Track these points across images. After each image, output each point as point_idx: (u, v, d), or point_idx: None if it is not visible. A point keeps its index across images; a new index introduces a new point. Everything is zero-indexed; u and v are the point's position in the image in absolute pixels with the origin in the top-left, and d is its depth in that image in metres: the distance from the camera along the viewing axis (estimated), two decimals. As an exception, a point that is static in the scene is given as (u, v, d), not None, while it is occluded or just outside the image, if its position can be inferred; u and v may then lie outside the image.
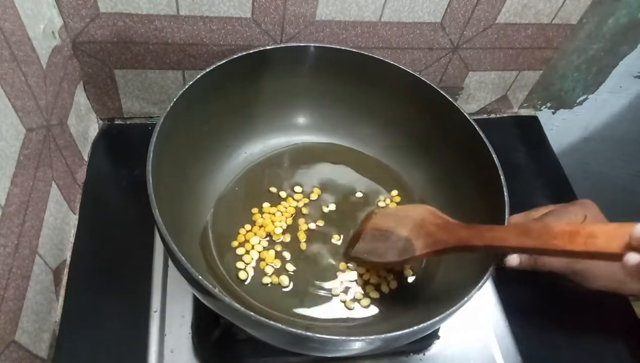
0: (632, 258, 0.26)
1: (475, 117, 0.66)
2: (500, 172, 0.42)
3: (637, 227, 0.26)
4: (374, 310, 0.44)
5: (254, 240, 0.46)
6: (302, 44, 0.48)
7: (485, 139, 0.44)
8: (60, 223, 0.47)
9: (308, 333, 0.32)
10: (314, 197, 0.50)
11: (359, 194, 0.52)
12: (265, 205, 0.49)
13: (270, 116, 0.53)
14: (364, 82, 0.50)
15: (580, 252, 0.29)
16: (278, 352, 0.40)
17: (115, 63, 0.52)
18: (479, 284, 0.36)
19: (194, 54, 0.52)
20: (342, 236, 0.48)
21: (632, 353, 0.51)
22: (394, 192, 0.52)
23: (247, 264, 0.45)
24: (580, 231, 0.30)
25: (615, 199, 0.73)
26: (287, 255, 0.46)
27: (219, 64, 0.44)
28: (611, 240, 0.28)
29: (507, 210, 0.40)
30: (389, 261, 0.42)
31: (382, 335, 0.33)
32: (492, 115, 0.69)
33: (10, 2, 0.36)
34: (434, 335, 0.48)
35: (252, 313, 0.32)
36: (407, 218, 0.42)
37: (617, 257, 0.27)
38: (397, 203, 0.52)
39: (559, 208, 0.47)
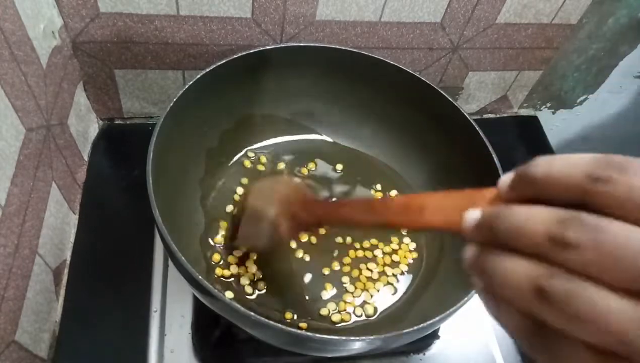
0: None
1: (475, 117, 0.66)
2: (501, 172, 0.42)
3: (469, 214, 0.21)
4: (375, 310, 0.45)
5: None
6: (302, 44, 0.48)
7: (485, 139, 0.44)
8: (60, 223, 0.47)
9: (308, 333, 0.32)
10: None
11: (359, 194, 0.52)
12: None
13: (270, 116, 0.53)
14: (364, 82, 0.50)
15: (414, 227, 0.27)
16: (278, 352, 0.40)
17: (115, 63, 0.52)
18: (479, 284, 0.36)
19: (194, 54, 0.52)
20: (341, 235, 0.48)
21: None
22: (393, 192, 0.52)
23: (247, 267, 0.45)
24: (412, 204, 0.27)
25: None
26: (282, 256, 0.46)
27: (219, 64, 0.44)
28: (438, 213, 0.25)
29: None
30: (263, 247, 0.41)
31: (382, 335, 0.33)
32: (492, 115, 0.69)
33: (10, 2, 0.36)
34: (434, 335, 0.48)
35: (252, 313, 0.32)
36: (273, 195, 0.40)
37: (448, 230, 0.24)
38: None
39: None
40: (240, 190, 0.50)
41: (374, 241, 0.48)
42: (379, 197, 0.31)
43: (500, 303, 0.18)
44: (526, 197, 0.18)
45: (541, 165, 0.18)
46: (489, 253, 0.18)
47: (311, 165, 0.53)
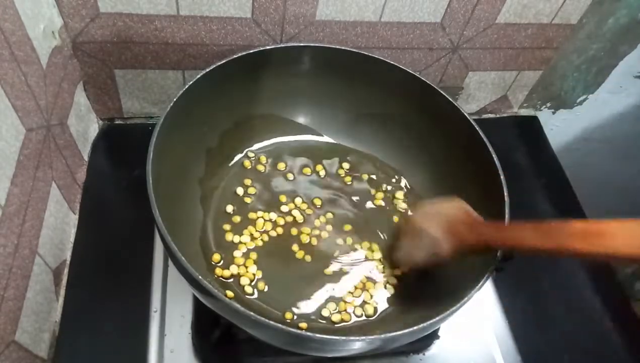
0: None
1: (475, 117, 0.66)
2: (500, 172, 0.42)
3: None
4: (374, 310, 0.44)
5: (255, 241, 0.46)
6: (302, 44, 0.48)
7: (485, 139, 0.44)
8: (60, 223, 0.47)
9: (308, 333, 0.32)
10: (312, 196, 0.50)
11: (359, 193, 0.52)
12: (264, 206, 0.49)
13: (270, 116, 0.53)
14: (364, 82, 0.50)
15: (599, 254, 0.26)
16: (278, 352, 0.40)
17: (115, 63, 0.52)
18: (479, 284, 0.36)
19: (194, 54, 0.52)
20: (342, 236, 0.48)
21: (632, 353, 0.51)
22: (399, 194, 0.52)
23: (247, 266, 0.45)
24: (597, 230, 0.26)
25: (615, 199, 0.73)
26: (282, 256, 0.46)
27: (219, 64, 0.44)
28: (632, 239, 0.24)
29: (507, 210, 0.40)
30: (418, 261, 0.41)
31: (382, 335, 0.33)
32: (492, 115, 0.69)
33: (10, 2, 0.36)
34: (434, 335, 0.48)
35: (252, 313, 0.32)
36: (439, 216, 0.40)
37: (633, 258, 0.24)
38: (401, 200, 0.52)
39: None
40: (240, 190, 0.50)
41: (374, 245, 0.48)
42: (555, 221, 0.30)
43: None
44: None
45: None
46: None
47: (311, 165, 0.53)
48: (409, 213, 0.46)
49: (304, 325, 0.42)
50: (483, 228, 0.37)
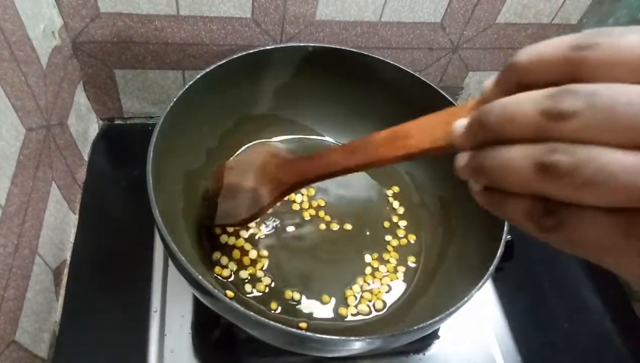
0: (460, 159, 0.20)
1: (475, 117, 0.66)
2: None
3: (456, 123, 0.20)
4: (374, 310, 0.44)
5: (255, 240, 0.46)
6: (302, 44, 0.48)
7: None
8: (60, 223, 0.47)
9: (308, 333, 0.32)
10: (310, 193, 0.51)
11: (357, 194, 0.52)
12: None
13: (270, 116, 0.53)
14: (364, 82, 0.50)
15: (403, 156, 0.26)
16: (278, 352, 0.40)
17: (115, 63, 0.52)
18: (479, 284, 0.36)
19: (194, 54, 0.52)
20: (343, 233, 0.48)
21: (632, 353, 0.51)
22: (396, 188, 0.52)
23: (247, 265, 0.45)
24: (396, 133, 0.27)
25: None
26: (282, 255, 0.46)
27: (219, 64, 0.44)
28: (424, 134, 0.25)
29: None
30: (243, 219, 0.40)
31: (382, 335, 0.33)
32: (492, 115, 0.69)
33: (10, 2, 0.36)
34: (434, 335, 0.48)
35: (252, 313, 0.32)
36: (249, 167, 0.39)
37: (438, 149, 0.24)
38: (398, 201, 0.52)
39: None
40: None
41: (375, 242, 0.49)
42: (363, 138, 0.30)
43: (504, 197, 0.18)
44: (511, 89, 0.18)
45: (524, 51, 0.18)
46: (483, 151, 0.18)
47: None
48: (216, 173, 0.43)
49: (303, 325, 0.42)
50: (296, 165, 0.36)
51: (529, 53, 0.17)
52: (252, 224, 0.48)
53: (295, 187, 0.36)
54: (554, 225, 0.16)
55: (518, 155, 0.16)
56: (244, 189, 0.39)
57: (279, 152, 0.38)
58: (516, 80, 0.18)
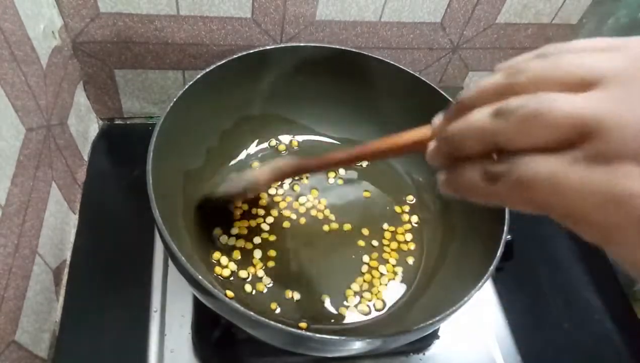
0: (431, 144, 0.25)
1: (475, 117, 0.66)
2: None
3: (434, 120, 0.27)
4: (374, 310, 0.45)
5: (255, 240, 0.46)
6: (302, 44, 0.48)
7: (485, 139, 0.44)
8: (60, 223, 0.47)
9: (308, 333, 0.32)
10: (312, 196, 0.51)
11: (357, 194, 0.52)
12: (264, 203, 0.49)
13: (270, 116, 0.53)
14: (364, 82, 0.50)
15: (386, 150, 0.33)
16: (278, 352, 0.40)
17: (115, 63, 0.52)
18: (479, 284, 0.36)
19: (194, 54, 0.52)
20: (344, 232, 0.48)
21: (632, 353, 0.51)
22: (396, 189, 0.52)
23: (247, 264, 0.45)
24: (380, 146, 0.34)
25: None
26: (282, 255, 0.46)
27: (219, 64, 0.44)
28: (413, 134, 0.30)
29: (507, 210, 0.40)
30: (238, 193, 0.45)
31: (382, 335, 0.33)
32: (492, 115, 0.69)
33: (10, 2, 0.36)
34: (434, 335, 0.48)
35: (252, 313, 0.32)
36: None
37: (416, 145, 0.29)
38: (397, 201, 0.52)
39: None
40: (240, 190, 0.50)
41: (375, 242, 0.49)
42: (355, 147, 0.36)
43: (462, 168, 0.21)
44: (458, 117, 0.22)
45: (464, 92, 0.22)
46: (448, 127, 0.22)
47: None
48: None
49: (303, 324, 0.42)
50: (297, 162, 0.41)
51: (467, 91, 0.22)
52: (253, 223, 0.48)
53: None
54: (504, 171, 0.19)
55: (476, 118, 0.20)
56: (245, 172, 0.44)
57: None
58: (464, 108, 0.22)
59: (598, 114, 0.17)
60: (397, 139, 0.31)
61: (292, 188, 0.51)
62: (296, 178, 0.52)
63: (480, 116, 0.20)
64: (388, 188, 0.53)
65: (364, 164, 0.54)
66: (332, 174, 0.53)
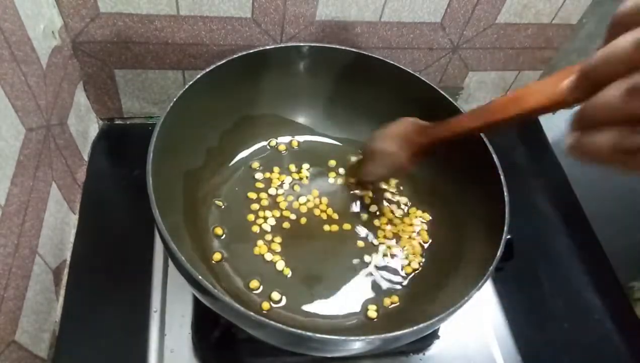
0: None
1: (475, 117, 0.66)
2: (501, 171, 0.42)
3: (565, 81, 0.25)
4: (374, 310, 0.45)
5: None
6: (302, 44, 0.48)
7: (485, 139, 0.44)
8: (60, 223, 0.47)
9: (308, 333, 0.32)
10: (312, 196, 0.51)
11: (357, 194, 0.52)
12: (264, 203, 0.49)
13: (270, 116, 0.53)
14: (364, 82, 0.50)
15: (518, 114, 0.31)
16: (278, 352, 0.40)
17: (115, 63, 0.52)
18: (479, 284, 0.36)
19: (194, 54, 0.52)
20: (346, 233, 0.48)
21: (632, 353, 0.51)
22: (395, 189, 0.52)
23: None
24: (511, 98, 0.32)
25: (615, 199, 0.73)
26: (283, 256, 0.46)
27: (219, 64, 0.44)
28: (537, 94, 0.29)
29: (507, 210, 0.40)
30: (386, 175, 0.50)
31: (382, 335, 0.33)
32: (492, 115, 0.69)
33: (10, 2, 0.36)
34: (434, 335, 0.48)
35: (252, 313, 0.32)
36: (391, 135, 0.45)
37: (551, 105, 0.28)
38: (397, 201, 0.52)
39: None
40: (241, 190, 0.50)
41: (375, 242, 0.49)
42: (481, 105, 0.36)
43: (593, 135, 0.21)
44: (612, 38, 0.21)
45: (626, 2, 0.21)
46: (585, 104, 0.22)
47: (311, 165, 0.53)
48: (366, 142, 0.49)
49: (301, 318, 0.42)
50: (430, 129, 0.42)
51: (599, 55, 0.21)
52: (255, 224, 0.48)
53: (429, 148, 0.42)
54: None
55: (612, 90, 0.20)
56: (386, 153, 0.45)
57: (418, 121, 0.44)
58: (620, 29, 0.21)
59: None
60: (523, 101, 0.30)
61: (292, 188, 0.51)
62: (296, 178, 0.52)
63: (613, 93, 0.20)
64: (389, 187, 0.53)
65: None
66: (332, 174, 0.53)
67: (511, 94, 0.32)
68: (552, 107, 0.28)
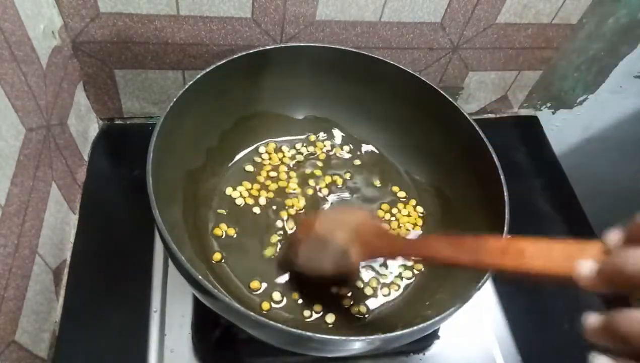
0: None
1: (475, 117, 0.66)
2: (500, 172, 0.42)
3: (582, 262, 0.22)
4: (374, 311, 0.44)
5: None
6: (302, 44, 0.48)
7: (485, 139, 0.44)
8: (60, 223, 0.47)
9: (308, 333, 0.32)
10: (311, 193, 0.51)
11: (357, 195, 0.52)
12: (263, 202, 0.49)
13: (270, 116, 0.53)
14: (364, 82, 0.50)
15: (515, 269, 0.27)
16: (278, 352, 0.39)
17: (115, 63, 0.52)
18: (479, 284, 0.36)
19: (194, 54, 0.52)
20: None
21: (632, 353, 0.51)
22: (395, 189, 0.52)
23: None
24: (510, 246, 0.28)
25: (616, 199, 0.73)
26: (283, 255, 0.46)
27: (219, 64, 0.44)
28: (541, 258, 0.26)
29: (507, 210, 0.40)
30: (325, 270, 0.40)
31: (382, 335, 0.33)
32: (492, 115, 0.69)
33: (10, 2, 0.36)
34: (434, 335, 0.48)
35: (252, 313, 0.32)
36: (344, 224, 0.39)
37: (555, 278, 0.25)
38: (397, 201, 0.52)
39: None
40: (241, 190, 0.50)
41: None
42: (471, 236, 0.31)
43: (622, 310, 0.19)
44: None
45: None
46: (619, 313, 0.20)
47: (311, 165, 0.53)
48: (306, 218, 0.43)
49: (307, 313, 0.42)
50: (396, 240, 0.38)
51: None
52: (255, 224, 0.48)
53: (386, 257, 0.38)
54: None
55: None
56: (333, 244, 0.39)
57: (378, 222, 0.40)
58: None
59: None
60: (525, 258, 0.26)
61: (292, 188, 0.51)
62: (296, 178, 0.52)
63: None
64: (389, 188, 0.53)
65: (377, 183, 0.52)
66: (336, 178, 0.53)
67: (507, 242, 0.29)
68: (554, 279, 0.25)
